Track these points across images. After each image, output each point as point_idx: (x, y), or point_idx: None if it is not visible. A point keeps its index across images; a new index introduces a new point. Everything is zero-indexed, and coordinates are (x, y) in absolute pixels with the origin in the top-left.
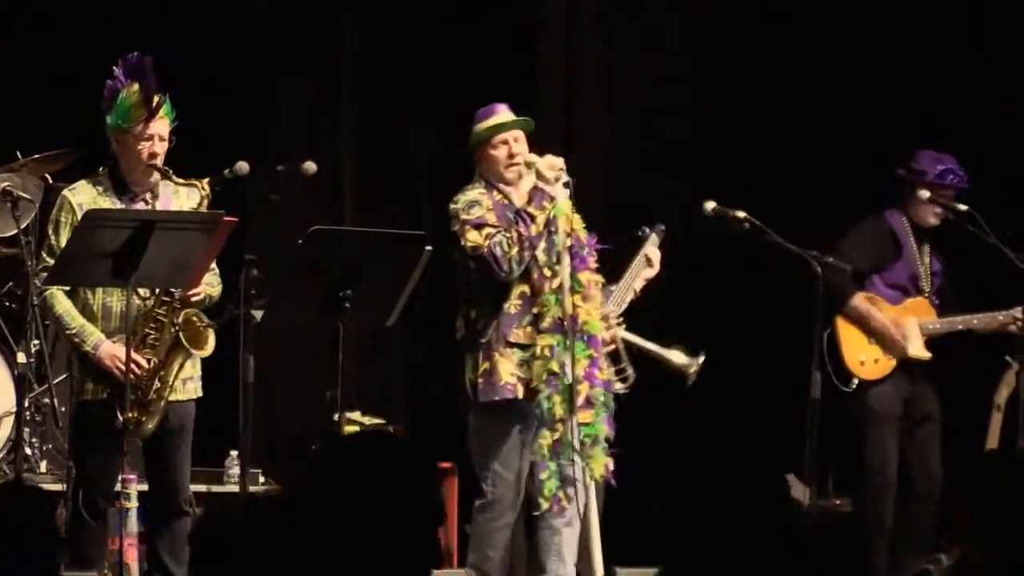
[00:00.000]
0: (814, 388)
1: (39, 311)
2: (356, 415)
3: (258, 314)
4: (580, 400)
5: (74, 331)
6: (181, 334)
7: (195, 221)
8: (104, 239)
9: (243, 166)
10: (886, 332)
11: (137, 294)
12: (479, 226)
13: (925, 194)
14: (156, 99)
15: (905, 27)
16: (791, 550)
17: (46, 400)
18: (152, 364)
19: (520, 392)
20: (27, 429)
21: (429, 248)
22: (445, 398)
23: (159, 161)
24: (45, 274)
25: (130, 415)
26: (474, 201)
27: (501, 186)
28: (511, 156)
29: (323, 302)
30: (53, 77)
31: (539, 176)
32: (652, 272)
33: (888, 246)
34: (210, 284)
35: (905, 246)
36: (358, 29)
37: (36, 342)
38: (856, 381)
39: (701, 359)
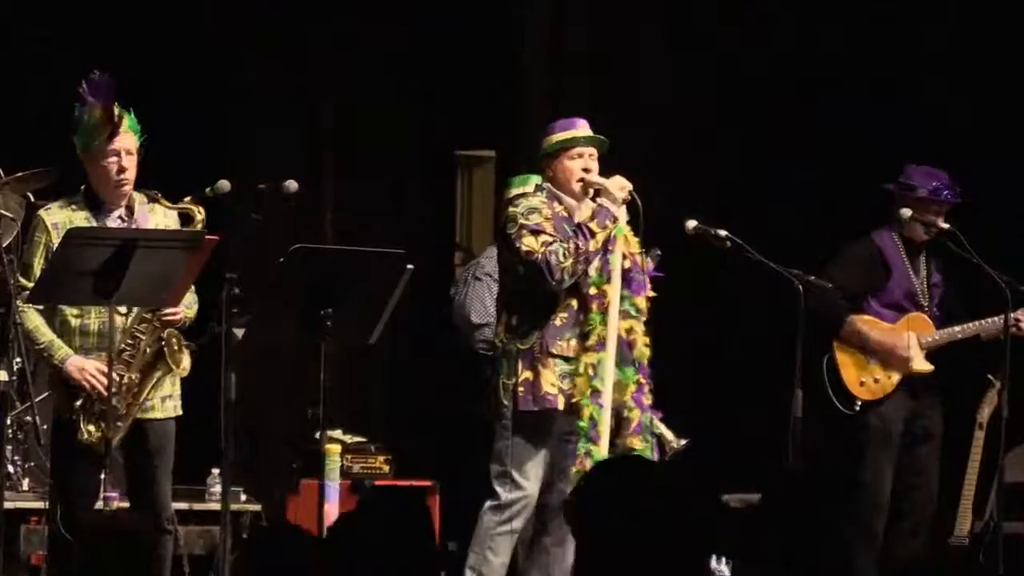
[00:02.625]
0: (795, 407)
1: (20, 329)
2: (338, 433)
3: (240, 332)
4: (633, 425)
5: (43, 346)
6: (165, 349)
7: (177, 240)
8: (86, 258)
9: (224, 184)
10: (885, 349)
11: (116, 311)
12: (536, 232)
13: (907, 212)
14: (117, 114)
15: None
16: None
17: (28, 418)
18: (126, 380)
19: (560, 403)
20: (9, 447)
21: (411, 267)
22: (426, 416)
23: (128, 175)
24: (26, 293)
25: (93, 429)
26: (534, 208)
27: (565, 199)
28: (585, 171)
29: (304, 320)
30: (35, 94)
31: (607, 195)
32: None
33: (877, 268)
34: (187, 306)
35: (895, 265)
36: (338, 47)
37: (18, 360)
38: (859, 403)
39: (684, 442)
